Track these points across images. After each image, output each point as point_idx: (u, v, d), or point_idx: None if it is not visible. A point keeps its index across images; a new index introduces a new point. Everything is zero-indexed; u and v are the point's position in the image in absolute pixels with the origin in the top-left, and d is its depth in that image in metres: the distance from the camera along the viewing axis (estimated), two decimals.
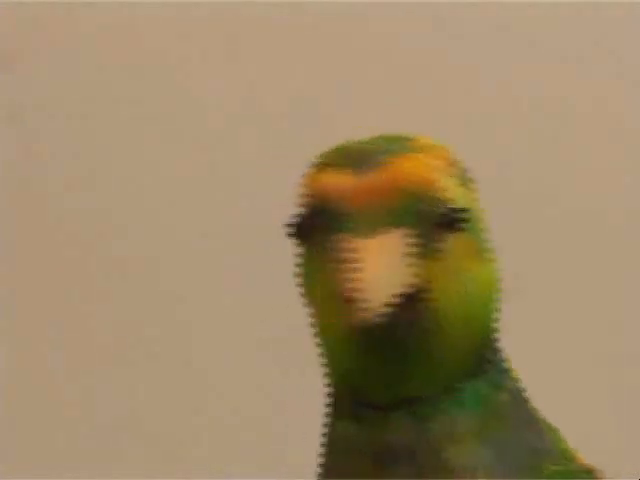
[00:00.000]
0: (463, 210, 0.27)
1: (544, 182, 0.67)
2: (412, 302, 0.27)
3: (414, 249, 0.27)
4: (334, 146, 0.29)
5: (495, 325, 0.29)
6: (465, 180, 0.29)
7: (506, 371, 0.30)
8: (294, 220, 0.28)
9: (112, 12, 0.68)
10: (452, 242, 0.27)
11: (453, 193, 0.27)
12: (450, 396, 0.28)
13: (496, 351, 0.29)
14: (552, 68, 0.67)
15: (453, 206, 0.27)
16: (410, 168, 0.27)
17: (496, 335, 0.29)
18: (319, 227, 0.27)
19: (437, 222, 0.27)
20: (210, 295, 0.68)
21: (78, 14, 0.69)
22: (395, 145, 0.28)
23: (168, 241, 0.68)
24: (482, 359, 0.28)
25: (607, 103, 0.67)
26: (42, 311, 0.68)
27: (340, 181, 0.27)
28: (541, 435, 0.30)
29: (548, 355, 0.66)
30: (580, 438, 0.35)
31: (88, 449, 0.67)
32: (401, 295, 0.26)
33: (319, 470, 0.30)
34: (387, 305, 0.26)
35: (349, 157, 0.28)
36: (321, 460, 0.30)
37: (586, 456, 0.34)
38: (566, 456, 0.30)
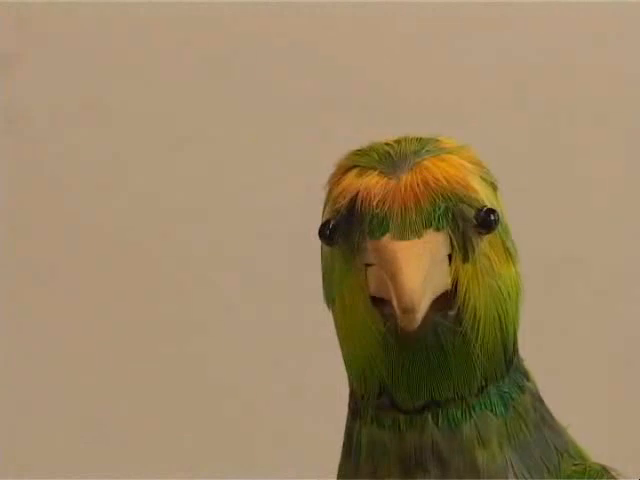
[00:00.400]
0: (495, 211, 0.27)
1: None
2: (450, 304, 0.27)
3: (452, 251, 0.27)
4: (360, 147, 0.29)
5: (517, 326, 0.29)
6: (490, 181, 0.29)
7: (525, 372, 0.30)
8: (325, 223, 0.28)
9: (112, 12, 0.68)
10: (485, 243, 0.27)
11: (484, 194, 0.27)
12: (477, 398, 0.28)
13: (516, 352, 0.29)
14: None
15: (487, 207, 0.27)
16: (444, 170, 0.27)
17: (516, 336, 0.29)
18: (352, 230, 0.27)
19: (473, 224, 0.27)
20: (219, 295, 0.68)
21: (78, 14, 0.68)
22: (423, 146, 0.28)
23: (173, 243, 0.68)
24: (508, 360, 0.28)
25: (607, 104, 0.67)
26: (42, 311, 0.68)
27: (371, 183, 0.27)
28: (559, 434, 0.30)
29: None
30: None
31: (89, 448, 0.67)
32: (440, 298, 0.26)
33: (343, 474, 0.30)
34: (426, 308, 0.25)
35: (377, 159, 0.28)
36: (346, 464, 0.30)
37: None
38: (582, 455, 0.30)
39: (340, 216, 0.28)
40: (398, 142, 0.28)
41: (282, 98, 0.67)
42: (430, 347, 0.27)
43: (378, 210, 0.27)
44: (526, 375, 0.30)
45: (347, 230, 0.27)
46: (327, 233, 0.28)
